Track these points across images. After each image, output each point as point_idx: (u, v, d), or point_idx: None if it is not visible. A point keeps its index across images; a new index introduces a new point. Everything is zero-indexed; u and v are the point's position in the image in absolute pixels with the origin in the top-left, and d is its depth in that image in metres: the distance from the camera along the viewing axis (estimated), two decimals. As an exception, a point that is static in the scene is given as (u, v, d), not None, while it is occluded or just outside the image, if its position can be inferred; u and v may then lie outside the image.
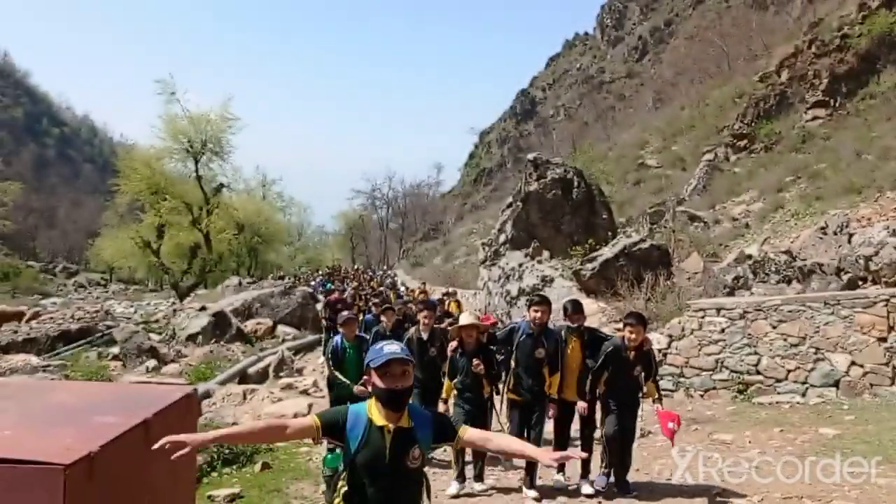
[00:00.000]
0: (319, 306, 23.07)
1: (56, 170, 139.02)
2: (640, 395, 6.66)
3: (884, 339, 8.81)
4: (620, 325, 11.27)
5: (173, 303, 42.88)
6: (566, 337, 6.77)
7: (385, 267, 66.78)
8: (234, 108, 35.35)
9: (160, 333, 18.19)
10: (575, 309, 6.96)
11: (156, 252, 34.65)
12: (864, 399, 8.82)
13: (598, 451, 6.79)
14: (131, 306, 34.33)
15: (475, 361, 6.56)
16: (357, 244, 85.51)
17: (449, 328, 8.01)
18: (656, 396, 6.60)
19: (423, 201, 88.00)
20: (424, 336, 7.72)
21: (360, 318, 14.31)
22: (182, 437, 2.76)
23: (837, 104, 29.82)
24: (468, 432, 3.13)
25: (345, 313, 8.32)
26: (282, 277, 37.70)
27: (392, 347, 2.96)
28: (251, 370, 12.44)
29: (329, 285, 33.74)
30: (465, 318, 6.98)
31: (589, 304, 12.64)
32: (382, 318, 9.81)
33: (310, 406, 9.21)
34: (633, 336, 6.37)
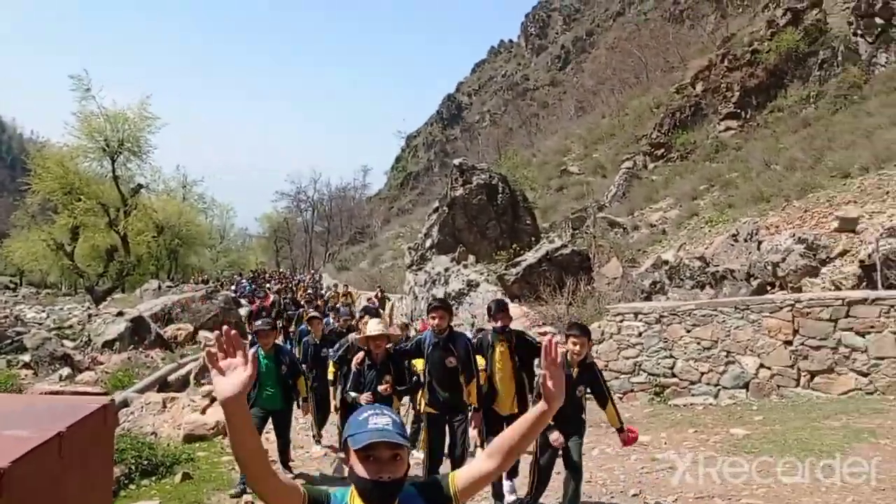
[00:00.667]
0: (243, 311, 22.72)
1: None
2: (583, 415, 5.92)
3: (789, 343, 9.29)
4: (543, 331, 11.56)
5: (88, 307, 41.38)
6: (492, 341, 6.33)
7: (312, 270, 66.06)
8: (153, 107, 34.31)
9: (74, 340, 17.57)
10: (499, 308, 6.47)
11: (69, 255, 33.37)
12: (771, 400, 9.28)
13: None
14: (43, 311, 32.96)
15: (385, 379, 6.21)
16: (281, 247, 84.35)
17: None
18: (619, 425, 5.79)
19: (350, 204, 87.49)
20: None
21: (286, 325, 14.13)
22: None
23: (748, 116, 31.16)
24: (459, 476, 2.33)
25: (259, 322, 7.98)
26: (205, 281, 36.84)
27: (380, 421, 2.17)
28: (171, 377, 12.16)
29: (250, 288, 33.20)
30: (373, 327, 6.46)
31: (513, 309, 12.86)
32: (310, 327, 9.47)
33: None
34: (578, 349, 5.66)
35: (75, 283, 67.92)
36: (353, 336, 7.69)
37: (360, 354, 6.44)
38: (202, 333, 19.51)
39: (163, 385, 11.90)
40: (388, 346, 6.49)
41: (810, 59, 30.34)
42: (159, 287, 47.72)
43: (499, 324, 6.32)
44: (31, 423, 3.27)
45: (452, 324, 6.69)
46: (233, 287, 34.51)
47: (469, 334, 8.87)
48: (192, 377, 12.22)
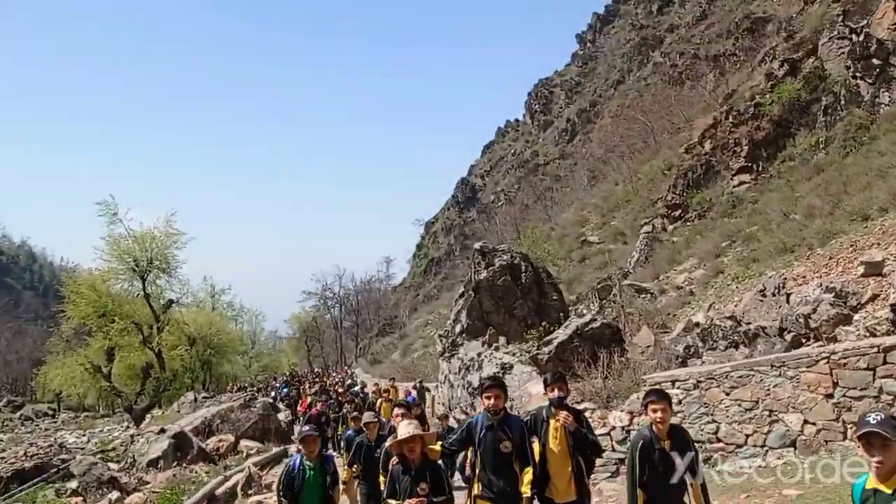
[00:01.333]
0: (281, 416, 22.80)
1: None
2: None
3: (830, 396, 9.22)
4: (582, 407, 11.54)
5: (127, 426, 41.62)
6: (546, 416, 5.85)
7: (345, 367, 66.03)
8: (177, 223, 35.31)
9: (119, 462, 17.73)
10: (556, 378, 6.02)
11: (107, 376, 33.83)
12: (820, 455, 9.15)
13: None
14: (83, 435, 33.26)
15: (421, 487, 5.47)
16: (312, 346, 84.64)
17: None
18: None
19: (376, 296, 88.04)
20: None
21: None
22: None
23: (760, 168, 31.40)
24: None
25: (306, 428, 7.38)
26: (242, 389, 37.00)
27: None
28: (218, 491, 12.23)
29: (285, 390, 33.25)
30: (404, 430, 5.72)
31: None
32: (364, 429, 8.96)
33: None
34: (661, 416, 5.06)
35: (112, 404, 68.53)
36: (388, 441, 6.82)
37: (394, 459, 5.83)
38: (243, 443, 19.60)
39: (210, 500, 11.96)
40: (423, 448, 5.78)
41: (814, 106, 30.76)
42: (195, 399, 47.97)
43: (556, 394, 5.90)
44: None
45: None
46: (270, 392, 34.62)
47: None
48: (238, 489, 12.27)
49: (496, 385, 5.85)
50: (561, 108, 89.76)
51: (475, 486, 5.81)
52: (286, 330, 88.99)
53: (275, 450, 18.47)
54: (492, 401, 5.68)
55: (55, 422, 63.23)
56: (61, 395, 70.45)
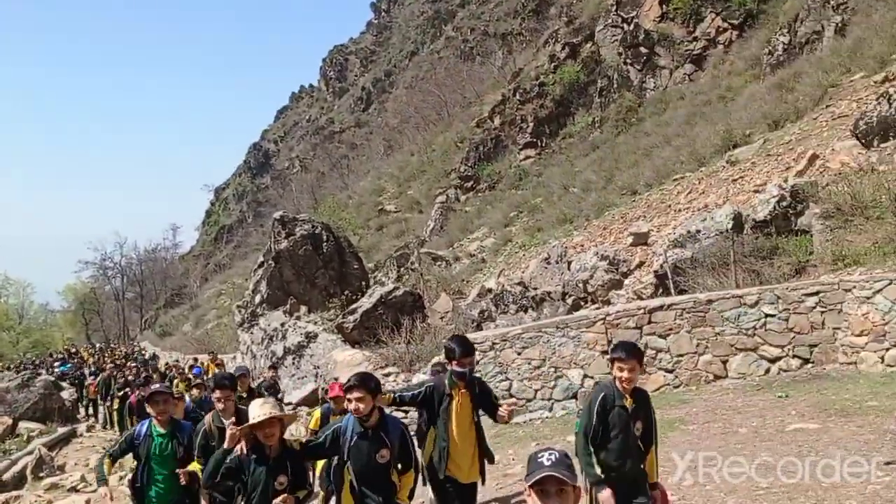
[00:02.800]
0: (65, 394, 21.37)
1: None
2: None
3: (606, 352, 10.45)
4: (386, 372, 12.08)
5: None
6: (449, 389, 5.24)
7: (130, 340, 62.30)
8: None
9: None
10: (464, 349, 5.29)
11: None
12: (597, 405, 10.37)
13: None
14: None
15: (279, 480, 4.49)
16: (91, 319, 78.71)
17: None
18: (655, 479, 4.78)
19: (162, 266, 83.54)
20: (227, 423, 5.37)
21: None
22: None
23: (544, 144, 33.79)
24: None
25: (155, 386, 6.44)
26: (18, 367, 33.76)
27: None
28: (5, 476, 11.37)
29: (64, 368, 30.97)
30: (259, 410, 4.54)
31: (354, 355, 13.34)
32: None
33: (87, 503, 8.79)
34: (627, 376, 4.53)
35: None
36: (208, 418, 5.80)
37: (241, 445, 4.58)
38: (23, 425, 18.16)
39: (-4, 486, 11.10)
40: (282, 433, 4.69)
41: (590, 88, 33.50)
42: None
43: (465, 368, 5.24)
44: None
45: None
46: (52, 370, 31.98)
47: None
48: (28, 471, 11.50)
49: (358, 384, 4.66)
50: (356, 76, 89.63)
51: (344, 500, 4.81)
52: (60, 303, 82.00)
53: (61, 430, 17.33)
54: (353, 405, 4.64)
55: None
56: None
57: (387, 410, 5.02)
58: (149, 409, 5.77)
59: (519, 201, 28.97)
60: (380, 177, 50.42)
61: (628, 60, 31.67)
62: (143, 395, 10.86)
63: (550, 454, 2.43)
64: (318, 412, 8.04)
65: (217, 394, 5.70)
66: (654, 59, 30.81)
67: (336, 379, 10.45)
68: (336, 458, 4.81)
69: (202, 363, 20.77)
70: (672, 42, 30.24)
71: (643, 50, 30.94)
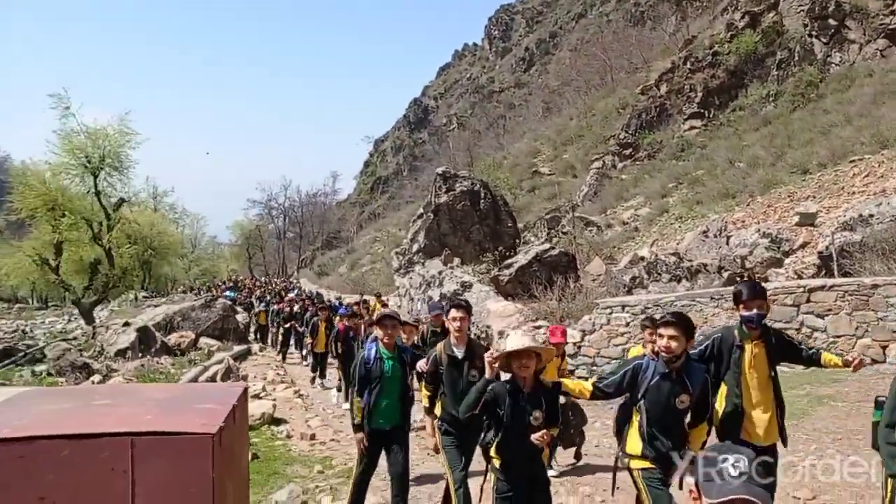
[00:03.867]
0: (239, 317, 23.61)
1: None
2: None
3: (759, 326, 10.51)
4: (537, 325, 12.67)
5: (69, 319, 41.73)
6: (740, 339, 4.77)
7: (287, 277, 66.60)
8: (132, 122, 34.63)
9: (83, 350, 18.29)
10: (754, 292, 4.76)
11: (55, 269, 33.77)
12: (745, 377, 10.49)
13: None
14: (26, 325, 33.44)
15: (535, 415, 4.30)
16: (254, 254, 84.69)
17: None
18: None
19: (321, 210, 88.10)
20: (460, 353, 5.68)
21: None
22: None
23: (711, 115, 32.70)
24: None
25: (385, 310, 6.68)
26: (200, 290, 37.18)
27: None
28: (200, 379, 13.03)
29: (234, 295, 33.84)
30: (517, 340, 4.39)
31: (507, 306, 14.02)
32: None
33: (274, 406, 10.07)
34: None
35: (46, 297, 67.86)
36: (439, 346, 5.88)
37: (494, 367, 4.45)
38: (203, 340, 20.36)
39: (192, 387, 12.73)
40: (538, 367, 4.45)
41: (768, 59, 31.96)
42: (136, 298, 48.22)
43: (753, 312, 4.67)
44: (209, 400, 4.33)
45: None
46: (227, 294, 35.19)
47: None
48: (218, 378, 13.09)
49: (674, 323, 4.32)
50: (521, 36, 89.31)
51: (634, 441, 4.49)
52: (228, 237, 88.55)
53: (237, 347, 19.32)
54: (664, 342, 4.28)
55: (-11, 311, 62.60)
56: (-8, 286, 69.50)
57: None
58: (377, 332, 5.95)
59: (679, 172, 28.37)
60: (536, 139, 50.49)
61: (814, 32, 29.95)
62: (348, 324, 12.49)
63: (737, 461, 1.94)
64: None
65: (454, 313, 5.72)
66: (843, 32, 28.98)
67: (559, 323, 11.16)
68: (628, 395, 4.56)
69: (366, 301, 22.42)
70: (865, 14, 28.31)
71: (832, 22, 29.16)
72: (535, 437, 4.21)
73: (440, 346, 5.82)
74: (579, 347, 11.70)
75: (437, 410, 5.83)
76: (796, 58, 30.42)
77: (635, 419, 4.48)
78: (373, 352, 5.80)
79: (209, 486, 3.71)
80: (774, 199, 19.89)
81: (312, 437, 9.26)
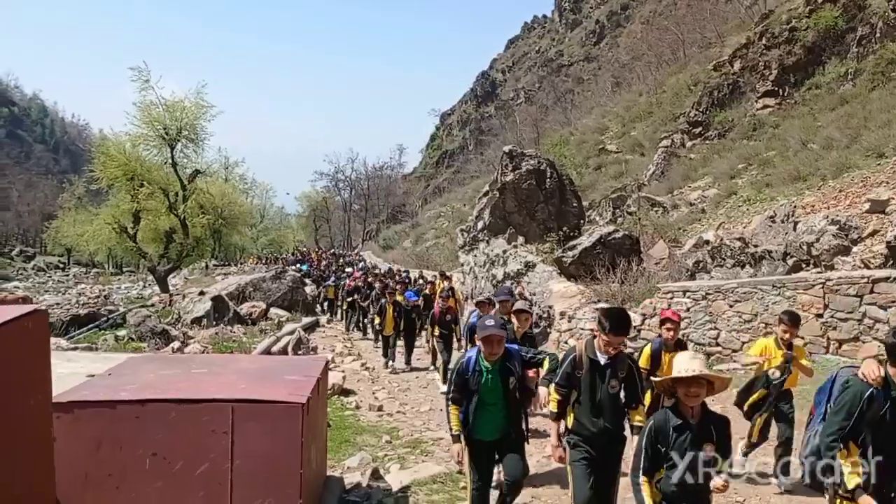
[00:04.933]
0: (308, 289, 24.46)
1: (6, 150, 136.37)
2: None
3: (820, 315, 10.57)
4: (599, 306, 12.94)
5: (144, 286, 43.67)
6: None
7: (352, 249, 67.85)
8: (207, 95, 35.66)
9: (162, 317, 19.37)
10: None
11: (133, 237, 35.38)
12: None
13: None
14: (102, 289, 35.24)
15: (707, 448, 3.83)
16: (320, 226, 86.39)
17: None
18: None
19: (386, 183, 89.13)
20: (603, 360, 4.86)
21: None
22: None
23: (786, 94, 31.87)
24: None
25: (490, 322, 5.24)
26: (270, 261, 38.38)
27: None
28: (273, 349, 13.77)
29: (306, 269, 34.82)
30: (686, 364, 4.02)
31: (569, 287, 14.31)
32: (513, 319, 7.51)
33: (343, 378, 10.70)
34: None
35: (121, 263, 70.68)
36: (579, 346, 5.07)
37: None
38: (273, 310, 21.27)
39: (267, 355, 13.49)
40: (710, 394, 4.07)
41: (848, 35, 30.88)
42: (207, 266, 49.88)
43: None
44: (295, 372, 4.86)
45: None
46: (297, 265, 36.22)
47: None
48: (289, 349, 13.82)
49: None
50: (591, 7, 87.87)
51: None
52: (295, 207, 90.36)
53: (306, 319, 20.14)
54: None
55: (67, 275, 65.83)
56: (71, 251, 72.83)
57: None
58: (480, 345, 5.27)
59: (749, 153, 27.87)
60: (604, 115, 50.04)
61: (898, 7, 28.80)
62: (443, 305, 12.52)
63: None
64: (648, 348, 6.80)
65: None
66: (930, 8, 27.81)
67: (668, 307, 11.27)
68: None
69: (426, 278, 22.99)
70: (956, -12, 27.06)
71: (919, -4, 27.98)
72: (714, 484, 3.71)
73: (581, 345, 5.04)
74: (639, 331, 11.94)
75: (569, 422, 4.99)
76: (878, 34, 29.32)
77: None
78: (472, 362, 5.20)
79: (298, 450, 4.24)
80: (847, 183, 19.49)
81: (380, 408, 9.83)
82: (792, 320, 6.52)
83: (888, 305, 9.95)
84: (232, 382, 4.73)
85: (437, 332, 12.23)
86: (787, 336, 6.47)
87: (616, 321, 4.70)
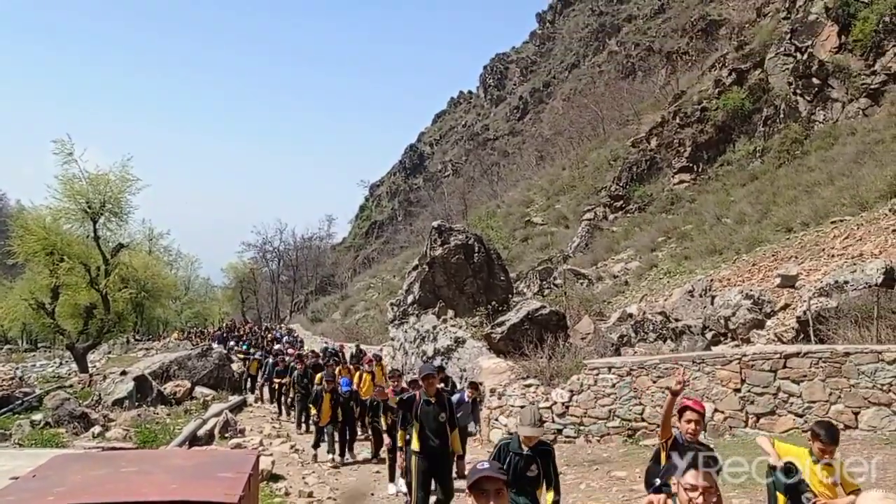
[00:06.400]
0: (234, 367, 23.89)
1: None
2: None
3: (738, 390, 10.98)
4: (528, 383, 13.10)
5: (60, 363, 41.80)
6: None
7: (280, 321, 66.71)
8: (132, 168, 35.03)
9: (81, 399, 18.58)
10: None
11: (50, 313, 34.02)
12: (725, 438, 10.93)
13: None
14: (16, 368, 33.59)
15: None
16: (247, 297, 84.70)
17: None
18: None
19: (315, 253, 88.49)
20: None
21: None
22: None
23: (700, 170, 33.55)
24: None
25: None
26: (198, 336, 37.26)
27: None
28: (199, 433, 13.37)
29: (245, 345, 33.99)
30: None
31: (499, 363, 14.46)
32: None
33: (272, 462, 10.45)
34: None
35: (35, 339, 67.63)
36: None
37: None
38: (199, 389, 20.66)
39: (192, 440, 13.10)
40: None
41: (755, 116, 32.92)
42: (128, 341, 48.16)
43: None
44: (227, 469, 4.80)
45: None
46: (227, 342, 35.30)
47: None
48: (216, 432, 13.44)
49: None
50: (515, 84, 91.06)
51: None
52: (221, 279, 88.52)
53: (233, 398, 19.58)
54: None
55: (-23, 353, 62.35)
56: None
57: None
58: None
59: (668, 226, 29.06)
60: (529, 188, 51.35)
61: (798, 91, 30.90)
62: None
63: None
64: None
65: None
66: (827, 90, 29.89)
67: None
68: None
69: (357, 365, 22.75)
70: (848, 74, 29.20)
71: (815, 81, 30.08)
72: None
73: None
74: (567, 408, 12.12)
75: None
76: (781, 115, 31.34)
77: None
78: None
79: (231, 550, 4.16)
80: (759, 257, 20.49)
81: (310, 494, 9.63)
82: (830, 436, 4.82)
83: (800, 379, 10.43)
84: (163, 483, 4.65)
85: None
86: (824, 457, 4.83)
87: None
